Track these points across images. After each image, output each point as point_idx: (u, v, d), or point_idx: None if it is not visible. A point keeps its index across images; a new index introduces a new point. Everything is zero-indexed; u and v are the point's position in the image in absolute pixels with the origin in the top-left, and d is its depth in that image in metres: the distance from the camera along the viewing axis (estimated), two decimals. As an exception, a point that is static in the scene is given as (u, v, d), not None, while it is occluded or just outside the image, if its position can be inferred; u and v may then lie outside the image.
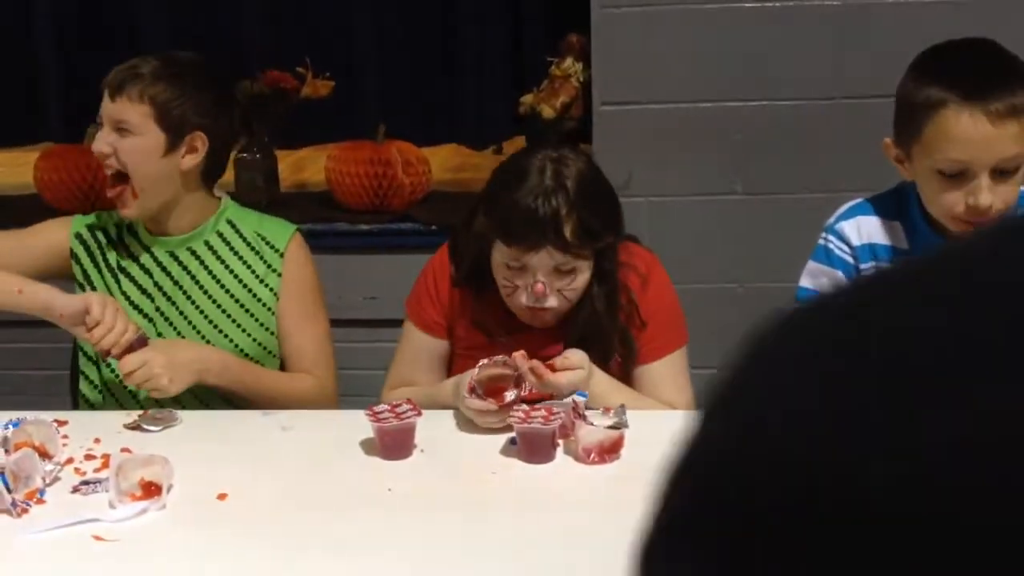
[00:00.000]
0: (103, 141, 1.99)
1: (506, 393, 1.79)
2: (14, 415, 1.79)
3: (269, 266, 2.09)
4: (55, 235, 2.11)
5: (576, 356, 1.84)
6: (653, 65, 2.69)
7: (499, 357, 1.82)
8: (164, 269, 2.08)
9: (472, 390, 1.80)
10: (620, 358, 1.95)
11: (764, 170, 2.72)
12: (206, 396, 2.05)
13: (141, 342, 1.91)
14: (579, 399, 1.74)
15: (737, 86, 2.69)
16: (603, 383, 1.88)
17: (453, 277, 2.00)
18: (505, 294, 1.90)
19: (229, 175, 3.08)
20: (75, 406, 2.12)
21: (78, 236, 2.10)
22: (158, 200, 2.02)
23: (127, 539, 1.49)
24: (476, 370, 1.81)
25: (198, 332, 2.06)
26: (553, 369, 1.80)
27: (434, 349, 2.04)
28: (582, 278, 1.86)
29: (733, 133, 2.70)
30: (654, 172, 2.68)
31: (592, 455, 1.68)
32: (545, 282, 1.83)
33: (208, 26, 3.33)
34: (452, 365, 2.02)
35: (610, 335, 1.93)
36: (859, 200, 1.85)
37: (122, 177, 1.99)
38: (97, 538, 1.49)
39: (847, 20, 2.62)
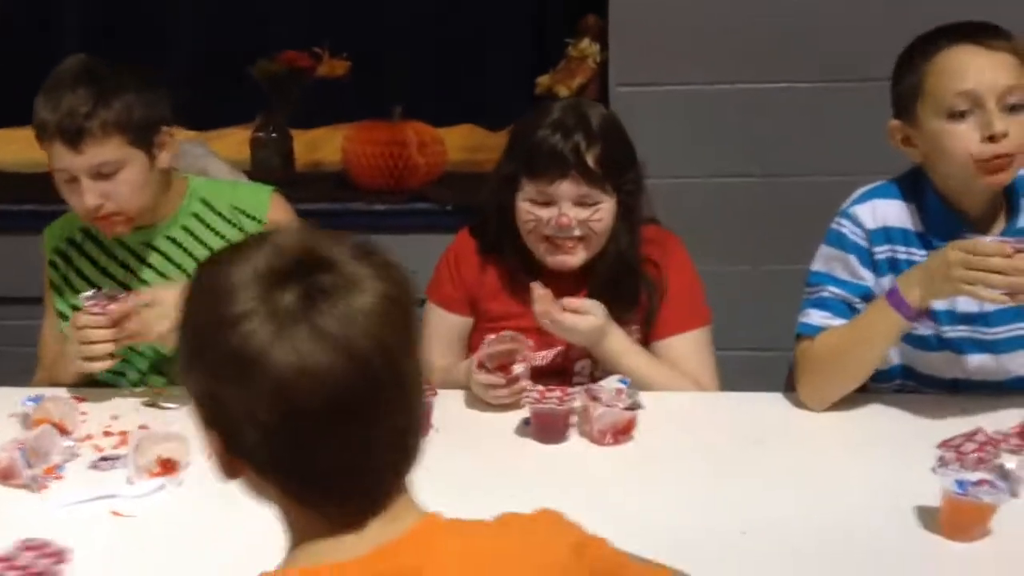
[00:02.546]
0: (91, 195, 1.82)
1: (514, 367, 1.80)
2: (34, 391, 1.81)
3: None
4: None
5: (589, 302, 1.86)
6: (670, 46, 2.68)
7: (507, 333, 1.83)
8: (144, 261, 2.01)
9: (481, 365, 1.82)
10: (641, 325, 1.95)
11: (781, 153, 2.71)
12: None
13: (122, 299, 1.85)
14: (622, 386, 1.75)
15: (754, 68, 2.67)
16: (619, 341, 1.89)
17: (480, 246, 2.02)
18: (527, 230, 1.91)
19: (245, 154, 3.10)
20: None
21: (56, 249, 2.05)
22: (147, 208, 1.94)
23: (144, 515, 1.51)
24: (485, 345, 1.82)
25: None
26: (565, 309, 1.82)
27: (453, 326, 2.05)
28: (606, 212, 1.88)
29: (749, 115, 2.69)
30: (669, 154, 2.67)
31: (607, 436, 1.69)
32: (569, 215, 1.85)
33: (225, 5, 3.32)
34: (474, 342, 2.01)
35: (634, 277, 1.93)
36: (876, 184, 1.84)
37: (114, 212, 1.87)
38: (115, 513, 1.51)
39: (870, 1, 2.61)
